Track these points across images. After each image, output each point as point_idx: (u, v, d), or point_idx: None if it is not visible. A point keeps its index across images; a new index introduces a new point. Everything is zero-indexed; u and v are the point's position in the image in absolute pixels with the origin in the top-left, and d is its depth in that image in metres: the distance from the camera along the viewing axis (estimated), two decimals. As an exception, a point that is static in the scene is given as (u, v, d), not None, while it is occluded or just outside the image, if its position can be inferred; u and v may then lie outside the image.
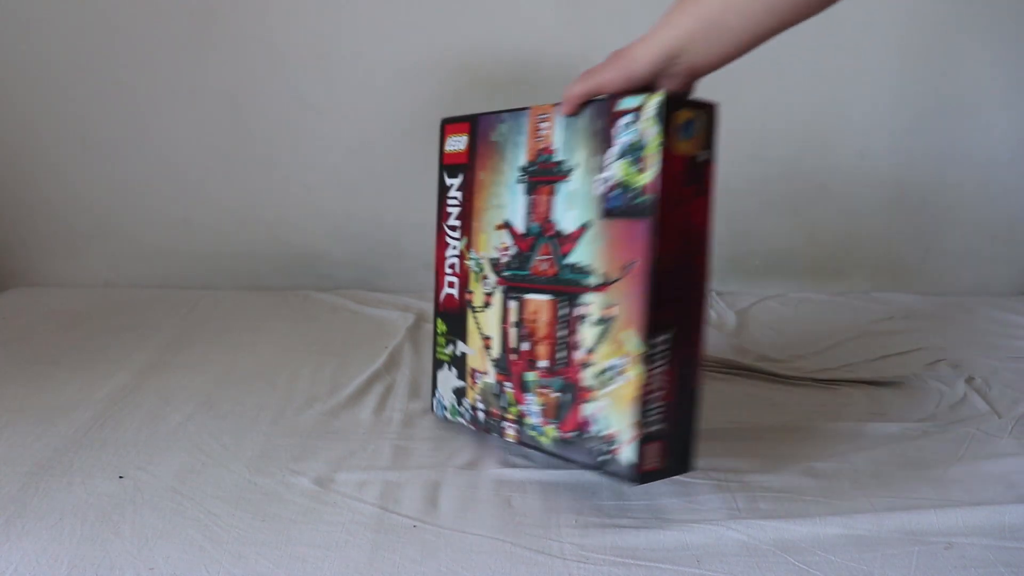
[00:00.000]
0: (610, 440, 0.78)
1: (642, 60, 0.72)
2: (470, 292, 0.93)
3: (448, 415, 0.98)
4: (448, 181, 0.94)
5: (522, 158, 0.86)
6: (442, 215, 0.95)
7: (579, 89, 0.76)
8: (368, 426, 0.99)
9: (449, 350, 0.97)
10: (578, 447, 0.81)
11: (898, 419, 1.00)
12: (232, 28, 1.37)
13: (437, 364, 0.99)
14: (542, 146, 0.83)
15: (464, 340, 0.94)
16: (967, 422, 0.99)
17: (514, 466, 0.89)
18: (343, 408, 1.03)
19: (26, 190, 1.46)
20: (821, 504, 0.83)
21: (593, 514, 0.82)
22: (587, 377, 0.80)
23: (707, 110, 0.74)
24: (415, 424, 0.99)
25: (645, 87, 0.74)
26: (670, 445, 0.78)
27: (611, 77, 0.74)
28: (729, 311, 1.36)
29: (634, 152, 0.74)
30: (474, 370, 0.94)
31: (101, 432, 0.97)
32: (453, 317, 0.96)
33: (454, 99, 1.38)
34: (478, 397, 0.94)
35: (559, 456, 0.84)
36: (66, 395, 1.05)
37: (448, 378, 0.97)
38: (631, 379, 0.75)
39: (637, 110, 0.73)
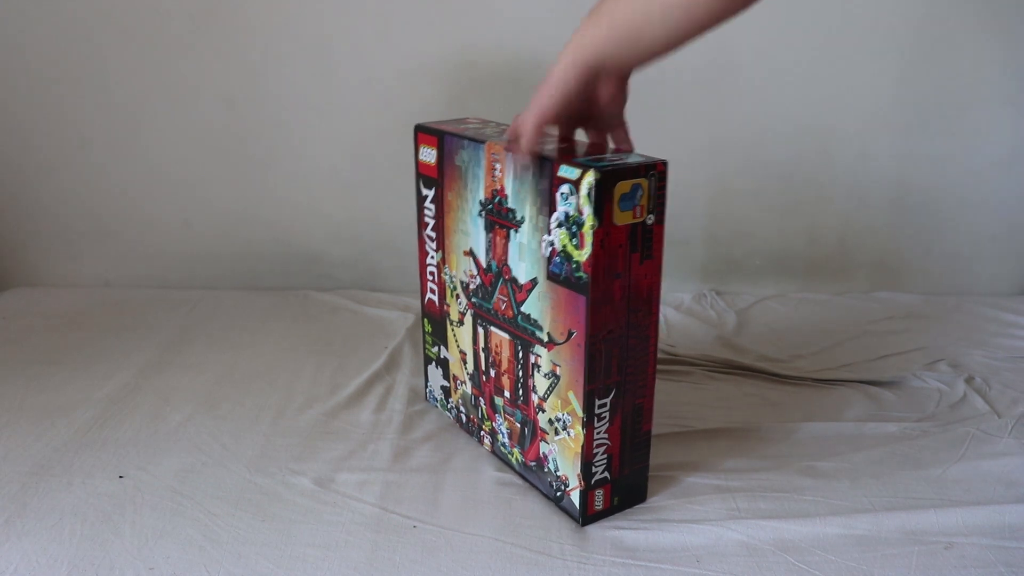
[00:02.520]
0: (563, 481, 0.81)
1: (570, 79, 0.71)
2: (447, 305, 0.94)
3: (439, 407, 1.02)
4: (424, 191, 0.92)
5: (481, 193, 0.82)
6: (420, 222, 0.95)
7: (528, 133, 0.72)
8: (368, 426, 0.99)
9: (435, 350, 1.00)
10: (539, 477, 0.85)
11: (898, 419, 1.00)
12: (231, 28, 1.37)
13: (427, 359, 1.02)
14: (497, 186, 0.80)
15: (446, 346, 0.97)
16: (967, 422, 0.99)
17: (514, 466, 0.89)
18: (343, 408, 1.03)
19: (26, 191, 1.46)
20: (821, 504, 0.83)
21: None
22: (542, 420, 0.82)
23: (655, 172, 0.70)
24: (415, 424, 1.00)
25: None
26: (617, 488, 0.80)
27: (551, 104, 0.72)
28: (729, 311, 1.36)
29: (571, 225, 0.71)
30: (455, 376, 0.96)
31: (101, 432, 0.97)
32: (436, 321, 0.98)
33: (454, 99, 1.38)
34: (460, 401, 0.97)
35: (524, 479, 0.87)
36: (66, 395, 1.05)
37: (436, 375, 1.01)
38: (574, 436, 0.77)
39: (575, 183, 0.69)
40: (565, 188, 0.70)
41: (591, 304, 0.71)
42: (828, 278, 1.48)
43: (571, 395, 0.76)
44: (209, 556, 0.75)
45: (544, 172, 0.72)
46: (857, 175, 1.43)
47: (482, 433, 0.94)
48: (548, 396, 0.80)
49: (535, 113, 0.72)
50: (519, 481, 0.87)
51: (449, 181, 0.87)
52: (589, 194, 0.68)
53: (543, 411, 0.81)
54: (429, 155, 0.90)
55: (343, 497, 0.84)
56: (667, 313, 1.35)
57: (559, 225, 0.72)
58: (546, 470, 0.83)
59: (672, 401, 1.05)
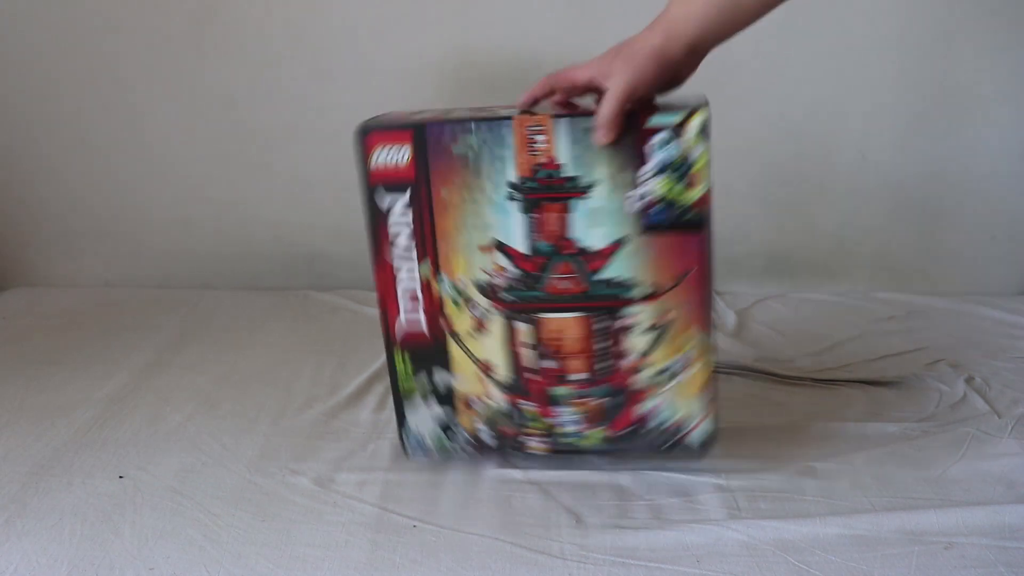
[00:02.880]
0: (677, 427, 0.85)
1: (668, 57, 0.71)
2: (448, 318, 0.84)
3: (433, 449, 0.90)
4: (385, 200, 0.80)
5: (511, 174, 0.78)
6: (381, 240, 0.82)
7: (612, 109, 0.72)
8: (368, 426, 0.99)
9: (420, 382, 0.87)
10: (635, 440, 0.86)
11: (898, 419, 1.00)
12: (231, 28, 1.37)
13: (402, 397, 0.89)
14: (540, 160, 0.77)
15: (447, 369, 0.86)
16: (967, 422, 0.99)
17: (514, 466, 0.89)
18: (343, 408, 1.03)
19: (26, 190, 1.46)
20: (821, 504, 0.83)
21: (593, 514, 0.82)
22: (642, 379, 0.84)
23: (705, 105, 0.75)
24: (415, 424, 0.99)
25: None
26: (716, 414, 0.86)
27: (642, 84, 0.71)
28: (729, 311, 1.36)
29: (677, 169, 0.75)
30: (469, 396, 0.87)
31: (101, 432, 0.97)
32: (422, 349, 0.86)
33: (454, 99, 1.38)
34: (479, 422, 0.88)
35: (606, 452, 0.88)
36: (66, 395, 1.05)
37: (423, 411, 0.88)
38: (699, 370, 0.83)
39: (676, 128, 0.74)
40: (663, 135, 0.74)
41: (710, 238, 0.78)
42: (828, 278, 1.48)
43: (692, 332, 0.82)
44: (209, 556, 0.75)
45: (630, 128, 0.75)
46: (857, 175, 1.43)
47: (523, 440, 0.88)
48: (653, 350, 0.83)
49: (625, 93, 0.71)
50: (519, 481, 0.87)
51: (441, 176, 0.79)
52: (703, 132, 0.74)
53: (642, 370, 0.83)
54: (394, 156, 0.79)
55: (343, 497, 0.84)
56: (667, 313, 1.35)
57: (657, 174, 0.76)
58: (649, 428, 0.85)
59: (672, 401, 1.05)
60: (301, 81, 1.39)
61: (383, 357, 1.17)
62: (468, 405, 0.87)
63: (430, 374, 0.87)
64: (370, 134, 0.78)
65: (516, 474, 0.88)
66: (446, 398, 0.87)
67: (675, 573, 0.73)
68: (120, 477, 0.87)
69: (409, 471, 0.89)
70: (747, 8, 0.72)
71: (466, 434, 0.88)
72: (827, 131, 1.41)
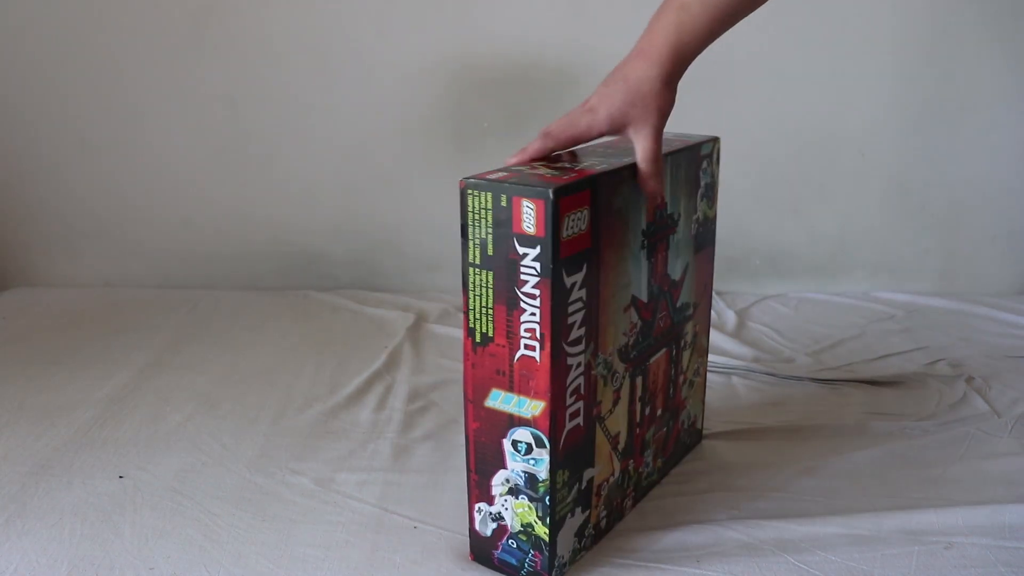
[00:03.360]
0: (695, 422, 0.94)
1: (679, 77, 0.72)
2: (598, 405, 0.72)
3: (568, 566, 0.73)
4: (568, 281, 0.65)
5: (642, 222, 0.73)
6: (562, 333, 0.65)
7: (658, 160, 0.70)
8: (368, 426, 0.99)
9: (573, 494, 0.71)
10: (675, 454, 0.90)
11: (898, 419, 1.00)
12: (231, 28, 1.37)
13: (556, 527, 0.70)
14: (658, 202, 0.75)
15: (592, 464, 0.73)
16: (967, 422, 0.99)
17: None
18: (343, 408, 1.03)
19: (26, 190, 1.46)
20: (821, 504, 0.83)
21: (593, 514, 0.82)
22: (683, 391, 0.89)
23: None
24: (415, 423, 1.00)
25: None
26: None
27: (668, 113, 0.72)
28: (729, 311, 1.36)
29: (708, 191, 0.85)
30: (599, 485, 0.75)
31: (101, 432, 0.97)
32: (577, 451, 0.71)
33: (454, 100, 1.38)
34: (602, 507, 0.77)
35: (660, 477, 0.88)
36: (66, 395, 1.05)
37: (571, 525, 0.72)
38: (703, 371, 0.93)
39: (710, 155, 0.84)
40: (704, 162, 0.82)
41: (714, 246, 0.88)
42: (828, 278, 1.48)
43: (702, 338, 0.91)
44: (209, 556, 0.75)
45: (691, 159, 0.80)
46: (857, 175, 1.43)
47: (624, 505, 0.81)
48: (690, 360, 0.89)
49: (658, 140, 0.70)
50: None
51: (609, 237, 0.69)
52: (717, 155, 0.85)
53: (683, 385, 0.88)
54: (578, 224, 0.64)
55: (343, 497, 0.84)
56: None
57: (702, 198, 0.83)
58: (681, 434, 0.90)
59: (672, 401, 1.05)
60: (301, 81, 1.39)
61: (383, 357, 1.18)
62: (598, 494, 0.75)
63: (580, 479, 0.72)
64: (561, 200, 0.62)
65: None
66: (586, 497, 0.73)
67: (675, 573, 0.73)
68: (120, 477, 0.87)
69: (409, 471, 0.89)
70: (738, 17, 0.72)
71: (591, 528, 0.75)
72: (827, 131, 1.41)
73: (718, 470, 0.89)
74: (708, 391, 1.08)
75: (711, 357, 1.16)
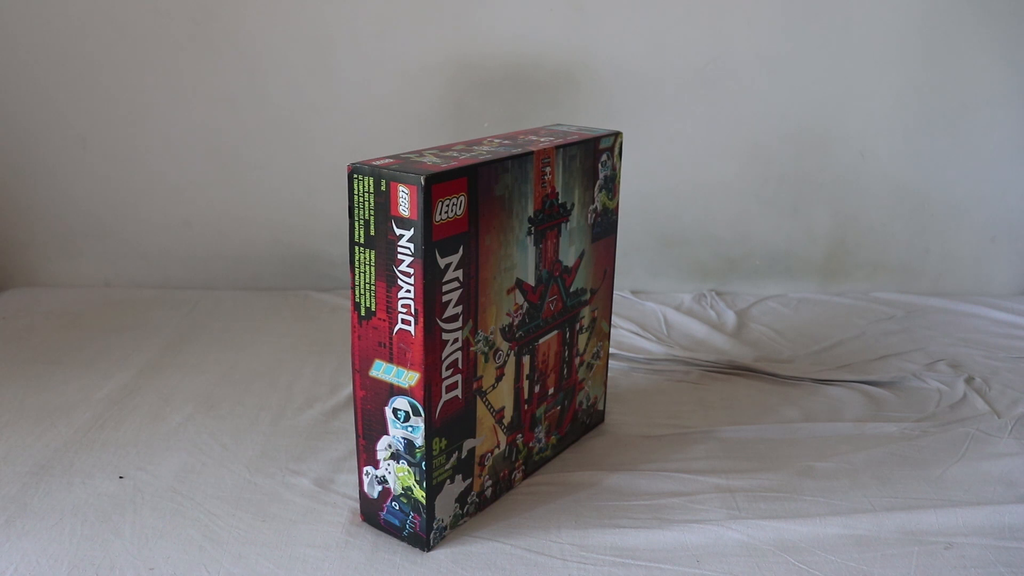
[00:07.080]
0: (595, 403, 0.98)
1: None
2: (478, 380, 0.77)
3: (448, 527, 0.78)
4: (442, 262, 0.69)
5: (530, 208, 0.77)
6: (435, 308, 0.70)
7: None
8: (368, 426, 0.99)
9: (452, 461, 0.76)
10: (572, 432, 0.94)
11: (898, 419, 1.00)
12: (231, 28, 1.37)
13: (434, 491, 0.75)
14: (547, 190, 0.79)
15: (473, 435, 0.78)
16: (967, 422, 0.99)
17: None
18: (343, 408, 1.03)
19: (26, 191, 1.46)
20: (821, 504, 0.83)
21: (593, 514, 0.82)
22: (580, 372, 0.93)
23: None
24: (415, 424, 0.99)
25: None
26: None
27: None
28: (729, 311, 1.36)
29: (608, 183, 0.89)
30: (483, 456, 0.80)
31: (101, 432, 0.97)
32: (456, 421, 0.75)
33: (454, 100, 1.38)
34: (487, 477, 0.81)
35: (555, 454, 0.93)
36: (66, 395, 1.05)
37: (447, 495, 0.77)
38: (604, 353, 0.97)
39: (611, 148, 0.87)
40: (604, 155, 0.86)
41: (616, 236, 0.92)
42: (828, 278, 1.48)
43: (604, 323, 0.94)
44: (209, 556, 0.75)
45: (588, 151, 0.84)
46: (857, 175, 1.43)
47: (513, 476, 0.85)
48: (588, 343, 0.92)
49: None
50: (518, 480, 0.87)
51: (488, 222, 0.73)
52: (621, 150, 0.89)
53: (580, 367, 0.92)
54: (454, 208, 0.69)
55: (343, 497, 0.84)
56: (667, 313, 1.35)
57: (600, 189, 0.87)
58: (578, 416, 0.94)
59: (672, 401, 1.05)
60: (301, 81, 1.39)
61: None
62: (482, 464, 0.80)
63: (460, 448, 0.77)
64: (435, 185, 0.66)
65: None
66: (467, 466, 0.78)
67: (675, 573, 0.73)
68: (120, 477, 0.87)
69: (409, 471, 0.89)
70: None
71: (475, 497, 0.81)
72: (827, 131, 1.41)
73: (717, 470, 0.89)
74: (704, 391, 1.09)
75: (711, 357, 1.17)
